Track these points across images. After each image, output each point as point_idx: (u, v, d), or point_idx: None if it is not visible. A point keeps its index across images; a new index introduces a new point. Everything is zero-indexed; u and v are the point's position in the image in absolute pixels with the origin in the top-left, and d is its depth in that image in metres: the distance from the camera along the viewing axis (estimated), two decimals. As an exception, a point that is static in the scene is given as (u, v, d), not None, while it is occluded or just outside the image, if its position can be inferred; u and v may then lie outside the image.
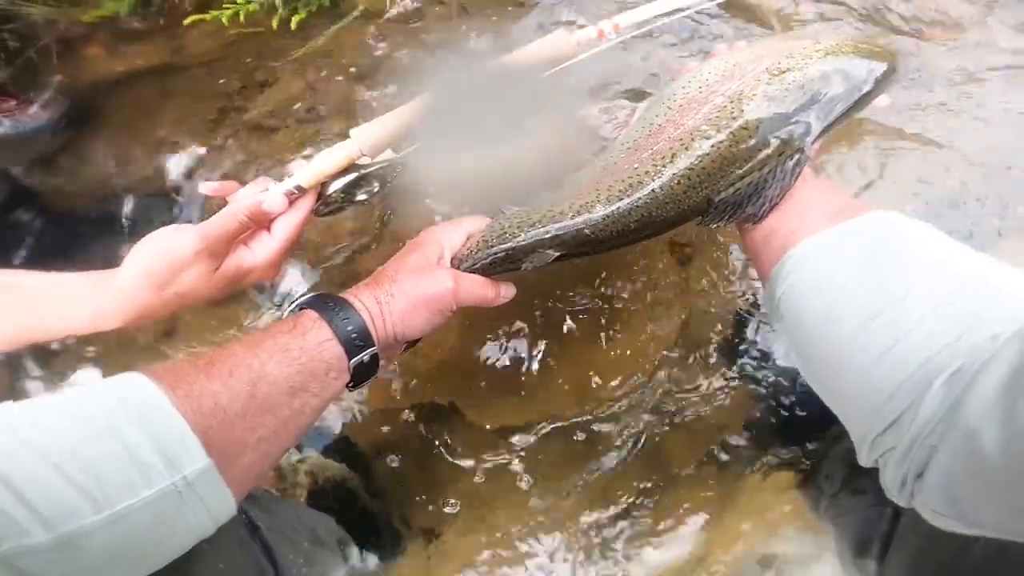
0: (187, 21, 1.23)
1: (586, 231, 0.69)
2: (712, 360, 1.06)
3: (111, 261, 0.71)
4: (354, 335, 0.62)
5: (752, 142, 0.66)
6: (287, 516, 0.86)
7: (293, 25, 1.28)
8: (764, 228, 0.67)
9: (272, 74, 1.31)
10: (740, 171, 0.66)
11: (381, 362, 0.67)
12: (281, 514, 0.85)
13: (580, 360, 1.04)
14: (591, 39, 0.79)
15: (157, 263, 0.66)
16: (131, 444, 0.47)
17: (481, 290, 0.71)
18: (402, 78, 1.22)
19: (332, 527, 0.97)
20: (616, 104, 0.76)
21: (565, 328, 1.05)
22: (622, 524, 1.03)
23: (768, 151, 0.66)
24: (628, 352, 1.04)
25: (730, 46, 0.78)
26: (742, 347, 1.07)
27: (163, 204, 1.24)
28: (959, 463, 0.44)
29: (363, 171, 0.73)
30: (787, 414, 1.04)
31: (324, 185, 0.73)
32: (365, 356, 0.63)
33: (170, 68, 1.34)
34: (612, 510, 1.03)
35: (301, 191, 0.71)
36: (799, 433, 1.03)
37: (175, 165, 1.26)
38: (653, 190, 0.67)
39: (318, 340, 0.61)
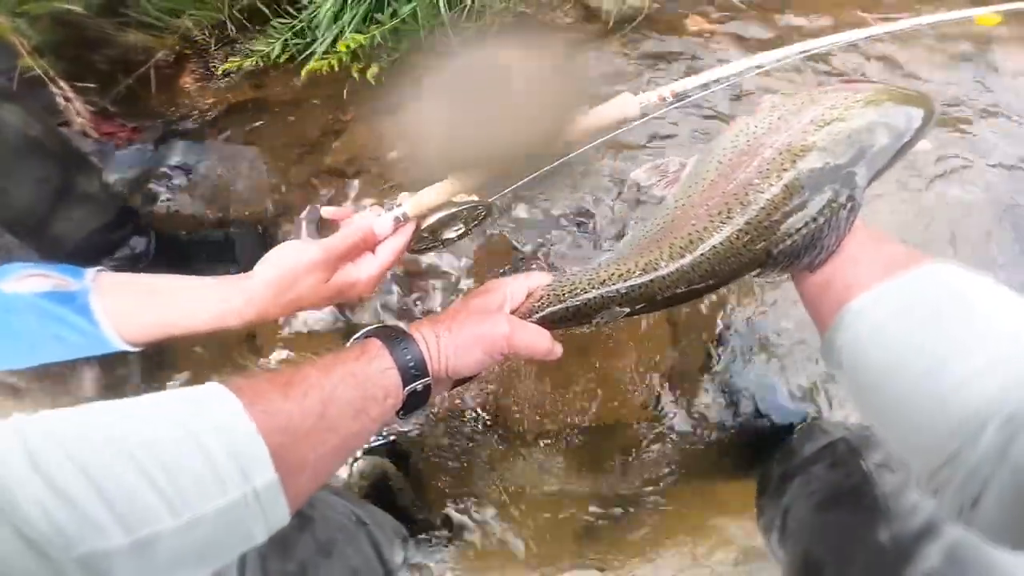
0: (306, 69, 1.35)
1: (653, 288, 0.71)
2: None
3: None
4: (411, 364, 0.65)
5: (807, 193, 0.66)
6: (376, 514, 0.96)
7: (370, 78, 1.40)
8: (820, 280, 0.68)
9: (342, 123, 1.44)
10: (797, 222, 0.66)
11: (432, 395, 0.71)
12: (370, 512, 0.94)
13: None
14: (653, 103, 0.91)
15: (285, 269, 0.75)
16: (212, 452, 0.48)
17: (537, 339, 0.72)
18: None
19: (397, 526, 1.06)
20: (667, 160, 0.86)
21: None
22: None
23: (823, 201, 0.66)
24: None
25: (772, 99, 0.78)
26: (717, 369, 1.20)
27: (252, 233, 1.35)
28: (1009, 496, 0.48)
29: (456, 208, 0.82)
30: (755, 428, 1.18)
31: (421, 219, 0.82)
32: (419, 385, 0.66)
33: (256, 103, 1.47)
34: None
35: (406, 219, 0.81)
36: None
37: (264, 197, 1.37)
38: (714, 246, 0.68)
39: (381, 368, 0.64)
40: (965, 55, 1.46)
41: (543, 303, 0.75)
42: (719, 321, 1.21)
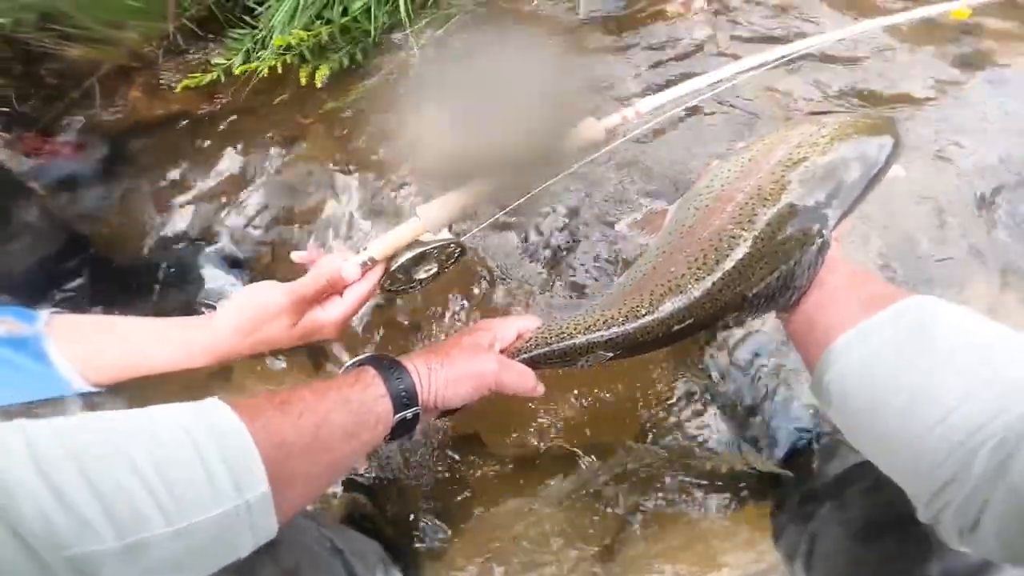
0: (237, 70, 1.29)
1: (635, 335, 0.72)
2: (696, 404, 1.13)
3: (154, 306, 0.78)
4: (403, 393, 0.68)
5: (777, 237, 0.67)
6: (355, 541, 0.95)
7: (318, 82, 1.36)
8: (804, 318, 0.70)
9: (301, 130, 1.39)
10: (770, 266, 0.68)
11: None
12: (349, 539, 0.94)
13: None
14: (616, 124, 0.89)
15: (251, 313, 0.75)
16: (209, 463, 0.50)
17: (522, 379, 0.76)
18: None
19: (379, 551, 1.06)
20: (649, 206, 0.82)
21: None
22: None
23: (792, 243, 0.67)
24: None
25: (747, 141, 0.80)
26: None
27: (202, 253, 1.27)
28: (1008, 515, 0.49)
29: (425, 248, 0.82)
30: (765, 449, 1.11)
31: (390, 261, 0.82)
32: (409, 413, 0.69)
33: (207, 115, 1.41)
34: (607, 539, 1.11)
35: (373, 263, 0.80)
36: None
37: (214, 215, 1.31)
38: (692, 293, 0.69)
39: (375, 395, 0.67)
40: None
41: (531, 345, 0.78)
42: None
